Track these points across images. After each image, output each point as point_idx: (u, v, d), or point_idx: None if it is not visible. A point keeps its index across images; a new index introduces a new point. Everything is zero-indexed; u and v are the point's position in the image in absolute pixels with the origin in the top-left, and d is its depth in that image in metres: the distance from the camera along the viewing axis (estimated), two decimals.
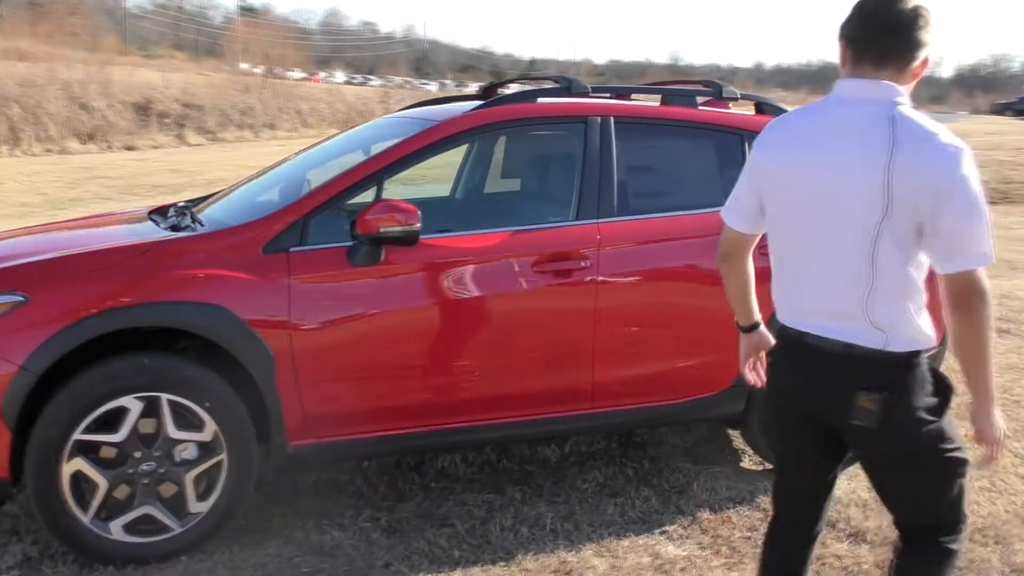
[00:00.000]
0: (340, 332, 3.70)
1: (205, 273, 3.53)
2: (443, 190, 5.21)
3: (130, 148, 22.59)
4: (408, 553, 3.67)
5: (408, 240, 3.66)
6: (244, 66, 54.74)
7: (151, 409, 3.47)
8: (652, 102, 4.58)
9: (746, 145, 4.43)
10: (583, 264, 3.98)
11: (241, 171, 13.53)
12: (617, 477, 4.45)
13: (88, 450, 3.41)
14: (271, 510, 4.02)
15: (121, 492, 3.49)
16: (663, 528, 3.96)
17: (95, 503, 3.44)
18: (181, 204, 4.59)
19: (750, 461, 4.68)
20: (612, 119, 4.24)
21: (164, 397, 3.46)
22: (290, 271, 3.62)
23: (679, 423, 4.88)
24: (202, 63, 51.56)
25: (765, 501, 4.20)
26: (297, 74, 64.27)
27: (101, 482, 3.43)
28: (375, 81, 68.40)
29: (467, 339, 3.88)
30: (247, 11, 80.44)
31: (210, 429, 3.54)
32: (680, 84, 5.00)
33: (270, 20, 68.81)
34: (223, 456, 3.57)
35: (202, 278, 3.52)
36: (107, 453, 3.46)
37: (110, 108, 23.74)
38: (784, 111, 4.62)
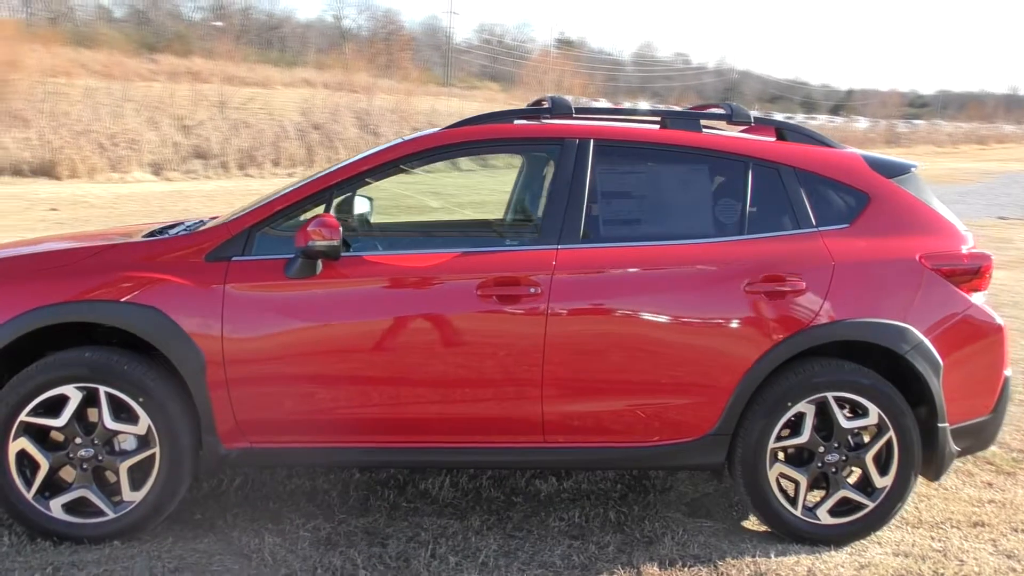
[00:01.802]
0: (270, 341, 3.79)
1: (144, 276, 3.76)
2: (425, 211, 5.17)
3: None
4: (316, 567, 3.69)
5: (330, 255, 3.70)
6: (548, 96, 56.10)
7: (93, 400, 3.73)
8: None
9: (751, 173, 4.09)
10: (532, 291, 3.83)
11: (496, 194, 13.98)
12: (595, 519, 4.23)
13: (34, 432, 3.72)
14: (230, 509, 4.18)
15: (65, 474, 3.78)
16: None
17: (37, 481, 3.74)
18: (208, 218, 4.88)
19: (754, 520, 4.29)
20: (592, 142, 4.05)
21: (102, 389, 3.72)
22: (226, 279, 3.77)
23: (648, 468, 4.58)
24: (512, 93, 53.91)
25: (729, 566, 3.84)
26: (601, 104, 65.47)
27: (43, 462, 3.73)
28: None
29: (396, 359, 3.84)
30: (564, 44, 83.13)
31: (144, 423, 3.75)
32: (697, 108, 4.66)
33: (583, 52, 70.75)
34: (155, 450, 3.77)
35: (140, 280, 3.75)
36: (55, 437, 3.76)
37: (396, 133, 25.40)
38: (816, 137, 4.24)
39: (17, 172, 19.92)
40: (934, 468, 4.11)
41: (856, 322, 3.97)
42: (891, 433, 4.00)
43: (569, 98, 4.21)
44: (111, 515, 3.79)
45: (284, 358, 3.80)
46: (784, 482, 4.06)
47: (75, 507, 3.78)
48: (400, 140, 4.13)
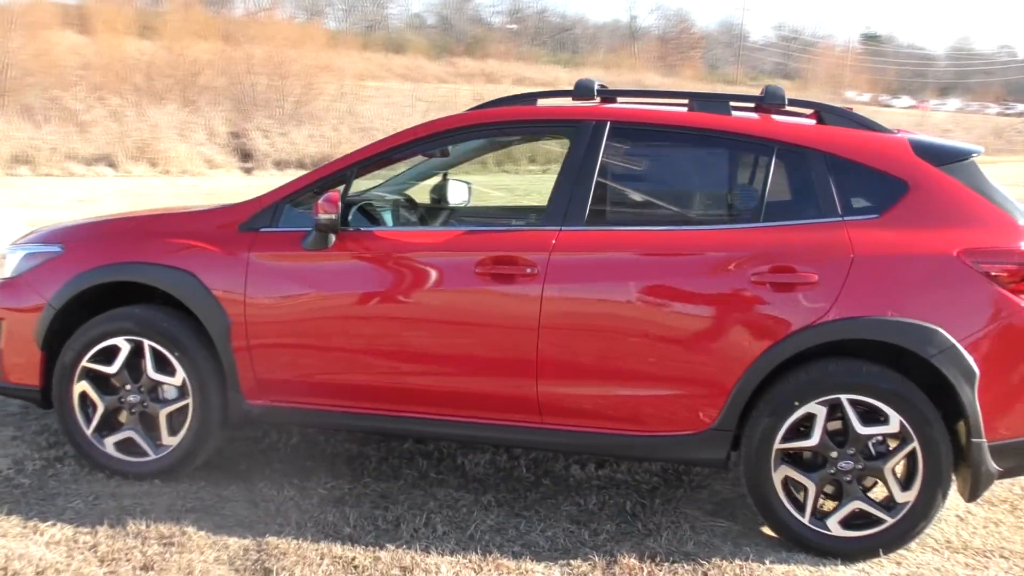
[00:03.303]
0: (285, 307, 4.08)
1: (183, 243, 4.16)
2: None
3: None
4: (309, 520, 3.94)
5: (331, 228, 3.93)
6: (850, 94, 54.09)
7: (140, 351, 4.19)
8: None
9: (775, 158, 3.89)
10: (528, 271, 3.87)
11: None
12: (610, 508, 4.20)
13: (94, 377, 4.23)
14: (272, 464, 4.53)
15: (117, 415, 4.27)
16: (568, 562, 3.72)
17: (95, 420, 4.25)
18: None
19: None
20: (608, 124, 4.01)
21: (146, 342, 4.17)
22: (251, 248, 4.10)
23: (647, 460, 4.46)
24: (803, 91, 52.12)
25: (714, 567, 3.71)
26: (904, 101, 61.70)
27: (99, 404, 4.24)
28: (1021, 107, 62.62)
29: (397, 331, 4.01)
30: (870, 39, 78.97)
31: (180, 376, 4.17)
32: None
33: (889, 47, 66.87)
34: (189, 401, 4.17)
35: (179, 246, 4.16)
36: (118, 381, 4.25)
37: None
38: (859, 120, 3.99)
39: (301, 165, 21.79)
40: (969, 488, 3.74)
41: (873, 320, 3.69)
42: (915, 444, 3.68)
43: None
44: (152, 456, 4.24)
45: (297, 324, 4.08)
46: (793, 486, 3.84)
47: (124, 446, 4.26)
48: (418, 124, 4.29)
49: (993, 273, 3.67)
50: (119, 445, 4.26)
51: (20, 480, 4.21)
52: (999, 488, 4.56)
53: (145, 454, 4.24)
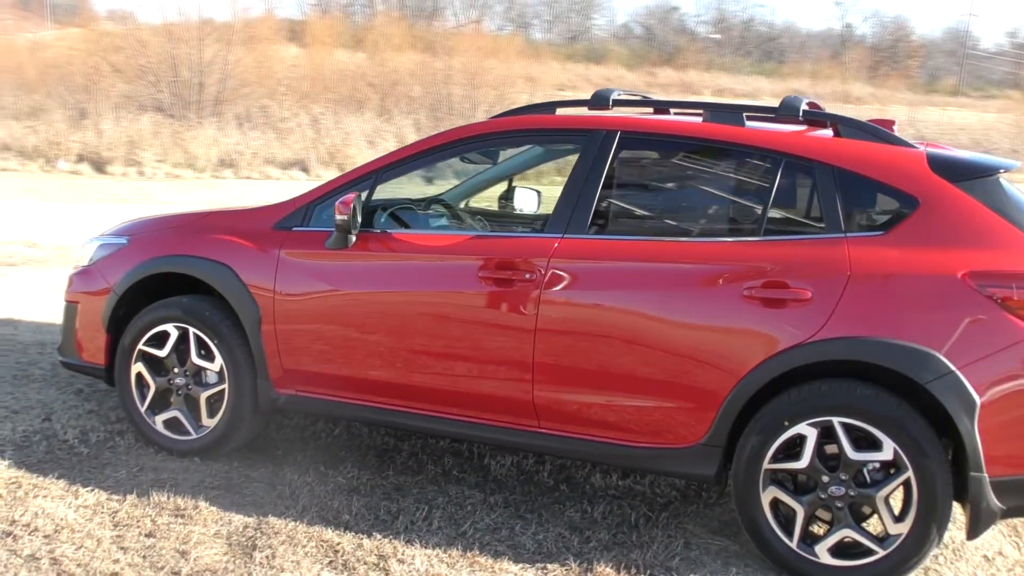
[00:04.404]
0: (308, 303, 4.32)
1: (225, 238, 4.48)
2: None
3: None
4: (314, 505, 4.15)
5: (344, 228, 4.13)
6: None
7: (187, 337, 4.54)
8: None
9: (782, 171, 3.80)
10: (527, 276, 3.94)
11: None
12: (613, 517, 4.20)
13: (148, 359, 4.62)
14: (308, 451, 4.78)
15: (167, 396, 4.63)
16: (545, 565, 3.77)
17: (148, 399, 4.64)
18: None
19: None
20: (618, 134, 4.03)
21: (191, 330, 4.51)
22: (282, 245, 4.36)
23: (638, 470, 4.41)
24: None
25: None
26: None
27: (152, 384, 4.62)
28: None
29: (407, 329, 4.16)
30: None
31: (218, 362, 4.49)
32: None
33: None
34: (225, 386, 4.48)
35: (221, 242, 4.47)
36: (168, 364, 4.62)
37: None
38: (876, 132, 3.85)
39: None
40: (968, 524, 3.53)
41: (865, 341, 3.54)
42: (909, 473, 3.51)
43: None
44: (194, 435, 4.58)
45: (317, 318, 4.31)
46: (783, 508, 3.73)
47: (171, 424, 4.62)
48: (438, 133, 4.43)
49: (1000, 298, 3.45)
50: (167, 423, 4.62)
51: (80, 449, 4.64)
52: None
53: (188, 433, 4.59)
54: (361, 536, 3.90)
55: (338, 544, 3.82)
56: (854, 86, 42.67)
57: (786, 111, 3.98)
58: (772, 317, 3.66)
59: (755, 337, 3.68)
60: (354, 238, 4.21)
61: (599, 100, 4.23)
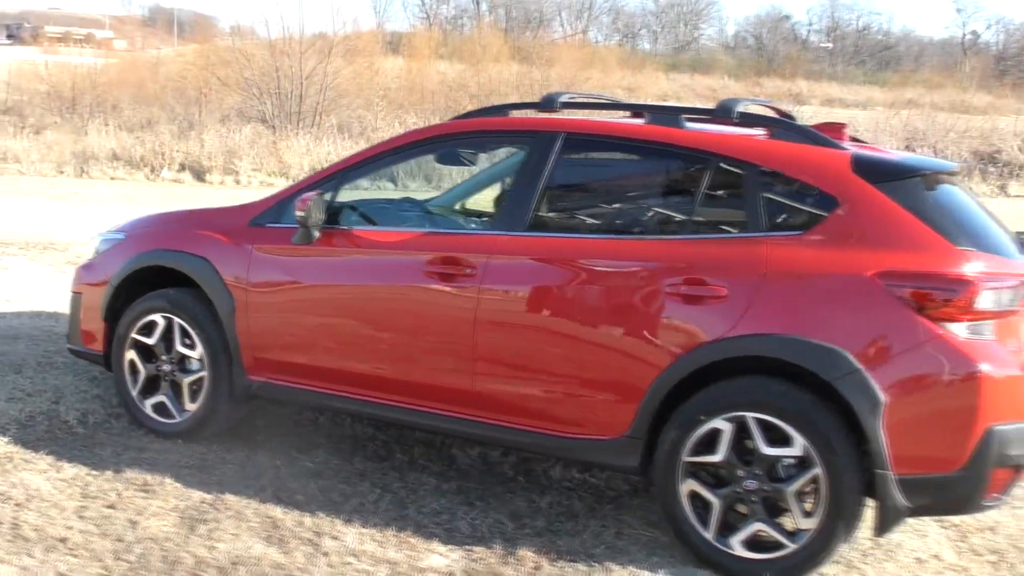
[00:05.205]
0: (275, 294, 4.58)
1: (206, 234, 4.77)
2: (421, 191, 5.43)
3: None
4: (271, 486, 4.39)
5: (302, 224, 4.37)
6: None
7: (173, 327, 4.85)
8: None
9: (712, 171, 3.88)
10: (468, 271, 4.11)
11: None
12: (558, 507, 4.31)
13: (139, 348, 4.95)
14: (288, 438, 5.03)
15: (157, 382, 4.95)
16: (472, 548, 3.91)
17: (139, 384, 4.96)
18: None
19: None
20: (561, 136, 4.16)
21: (175, 320, 4.82)
22: (255, 241, 4.63)
23: (568, 460, 4.48)
24: None
25: (606, 570, 3.76)
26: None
27: (143, 370, 4.95)
28: None
29: (361, 322, 4.38)
30: None
31: (199, 350, 4.78)
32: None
33: None
34: (204, 373, 4.78)
35: (202, 237, 4.77)
36: (156, 351, 4.94)
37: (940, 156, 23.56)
38: (807, 132, 3.91)
39: None
40: (876, 522, 3.54)
41: (774, 338, 3.60)
42: (818, 470, 3.55)
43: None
44: (178, 419, 4.88)
45: (282, 310, 4.57)
46: (700, 501, 3.79)
47: (159, 408, 4.93)
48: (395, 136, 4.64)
49: (909, 298, 3.46)
50: (155, 407, 4.94)
51: (78, 429, 4.99)
52: (994, 535, 4.19)
53: (173, 416, 4.89)
54: (305, 515, 4.12)
55: (281, 520, 4.05)
56: (974, 96, 41.22)
57: (721, 113, 4.06)
58: (691, 314, 3.74)
59: (674, 333, 3.76)
60: (317, 234, 4.44)
61: (547, 103, 4.38)
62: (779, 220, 3.77)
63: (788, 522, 3.69)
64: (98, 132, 23.35)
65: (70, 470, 4.46)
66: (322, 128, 24.39)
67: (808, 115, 32.86)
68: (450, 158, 5.15)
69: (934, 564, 3.96)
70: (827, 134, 4.13)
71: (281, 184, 20.44)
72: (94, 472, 4.45)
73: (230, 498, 4.24)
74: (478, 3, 53.35)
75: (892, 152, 4.15)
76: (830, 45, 46.06)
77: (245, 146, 21.67)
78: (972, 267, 3.47)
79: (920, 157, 4.12)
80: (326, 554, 3.80)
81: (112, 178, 21.10)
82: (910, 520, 4.24)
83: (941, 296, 3.44)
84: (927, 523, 4.29)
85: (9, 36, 60.33)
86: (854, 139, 4.41)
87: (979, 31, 58.85)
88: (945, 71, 49.09)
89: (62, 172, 20.88)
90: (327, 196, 4.49)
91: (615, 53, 36.17)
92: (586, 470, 4.71)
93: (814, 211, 3.73)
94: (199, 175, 20.88)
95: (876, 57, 48.84)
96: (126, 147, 22.42)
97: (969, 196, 4.14)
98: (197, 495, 4.27)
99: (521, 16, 49.97)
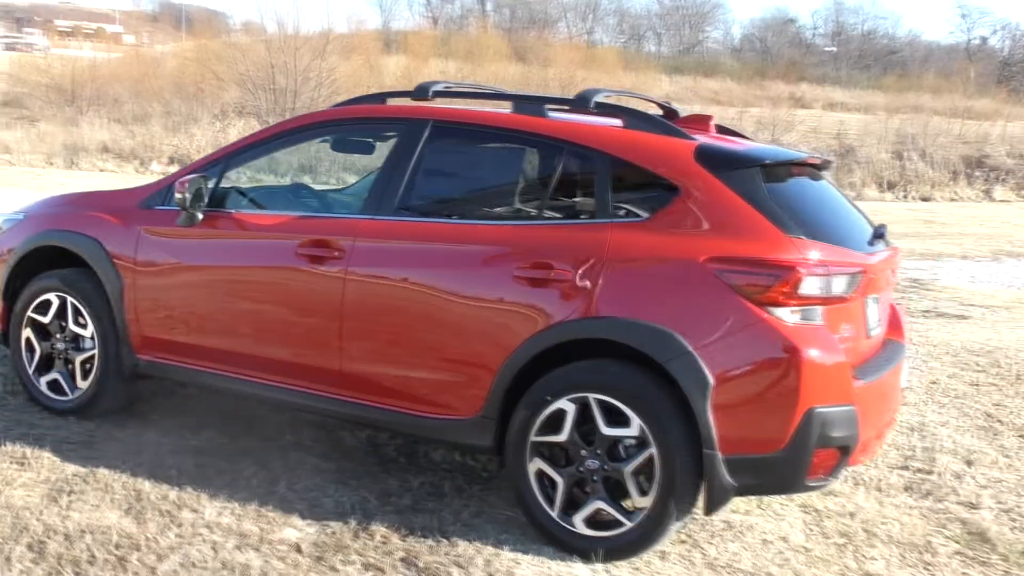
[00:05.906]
0: (160, 274, 4.66)
1: (97, 215, 4.87)
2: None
3: (925, 199, 22.17)
4: (148, 461, 4.47)
5: (181, 206, 4.45)
6: None
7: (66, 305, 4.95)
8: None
9: (565, 158, 3.96)
10: (336, 254, 4.18)
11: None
12: (427, 488, 4.37)
13: (35, 326, 5.04)
14: (179, 416, 5.11)
15: (51, 359, 5.04)
16: (329, 523, 3.98)
17: (35, 362, 5.05)
18: None
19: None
20: (429, 124, 4.24)
21: (68, 299, 4.91)
22: (143, 222, 4.72)
23: (423, 439, 4.54)
24: None
25: (453, 546, 3.82)
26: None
27: (38, 348, 5.04)
28: None
29: (236, 302, 4.46)
30: None
31: (90, 329, 4.87)
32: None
33: None
34: (96, 351, 4.87)
35: (93, 218, 4.86)
36: (51, 330, 5.03)
37: (927, 160, 23.52)
38: (656, 122, 3.98)
39: None
40: (705, 500, 3.60)
41: (611, 320, 3.67)
42: (652, 450, 3.61)
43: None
44: (70, 396, 4.97)
45: (166, 289, 4.65)
46: (547, 480, 3.86)
47: (53, 386, 5.02)
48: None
49: (735, 283, 3.53)
50: (50, 384, 5.03)
51: None
52: (851, 520, 4.24)
53: (66, 394, 4.99)
54: (172, 489, 4.19)
55: (147, 494, 4.12)
56: (976, 101, 41.11)
57: (579, 103, 4.14)
58: (537, 297, 3.81)
59: (522, 315, 3.83)
60: (200, 216, 4.53)
61: (420, 91, 4.47)
62: (625, 207, 3.84)
63: (629, 502, 3.75)
64: (90, 124, 23.53)
65: None
66: None
67: (808, 117, 32.92)
68: (343, 145, 5.24)
69: (779, 545, 4.00)
70: (692, 126, 4.21)
71: (271, 180, 20.61)
72: None
73: (103, 472, 4.32)
74: (483, 3, 53.46)
75: (744, 142, 4.22)
76: (834, 49, 46.00)
77: (233, 139, 21.78)
78: (798, 255, 3.53)
79: (770, 148, 4.18)
80: (180, 525, 3.87)
81: (101, 170, 21.30)
82: (769, 502, 4.33)
83: (764, 282, 3.50)
84: (788, 506, 4.35)
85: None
86: (726, 131, 4.48)
87: (986, 36, 58.55)
88: (949, 76, 48.94)
89: (51, 163, 21.09)
90: (211, 180, 4.57)
91: (614, 53, 36.16)
92: (465, 453, 4.77)
93: (657, 198, 3.80)
94: None
95: (881, 61, 48.68)
96: (117, 140, 22.60)
97: (830, 188, 4.20)
98: (72, 468, 4.36)
99: (526, 17, 50.07)
